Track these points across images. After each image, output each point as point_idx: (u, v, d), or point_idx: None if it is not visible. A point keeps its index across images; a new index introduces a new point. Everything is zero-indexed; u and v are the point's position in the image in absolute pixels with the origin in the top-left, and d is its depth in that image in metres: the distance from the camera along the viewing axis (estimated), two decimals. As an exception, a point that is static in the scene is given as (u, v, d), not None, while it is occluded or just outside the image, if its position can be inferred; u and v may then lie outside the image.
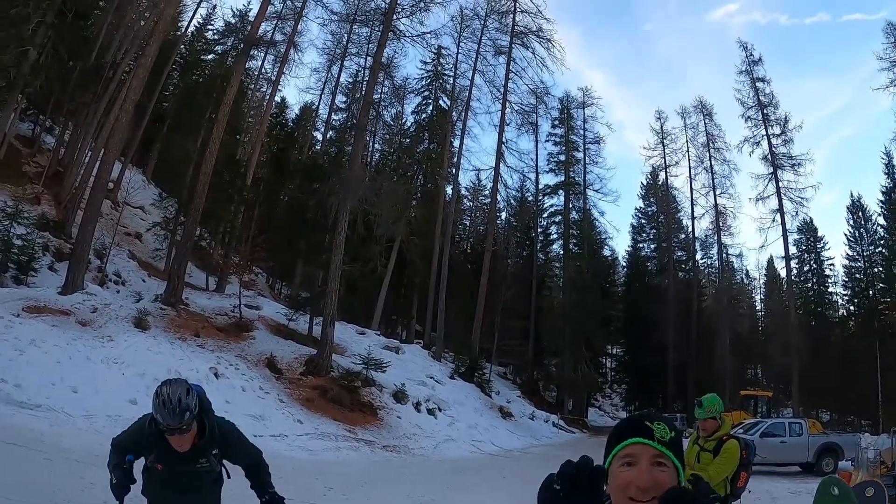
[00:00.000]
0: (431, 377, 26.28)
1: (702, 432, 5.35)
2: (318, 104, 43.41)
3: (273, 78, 37.19)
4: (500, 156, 40.99)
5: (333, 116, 42.92)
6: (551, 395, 44.43)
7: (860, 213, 41.26)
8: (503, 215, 49.78)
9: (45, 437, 9.66)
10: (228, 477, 3.58)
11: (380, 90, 31.27)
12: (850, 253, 41.59)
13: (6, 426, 9.59)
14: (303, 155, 39.15)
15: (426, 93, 44.30)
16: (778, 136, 40.72)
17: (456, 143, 42.12)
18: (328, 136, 42.67)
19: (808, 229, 43.60)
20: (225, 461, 3.52)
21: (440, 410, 22.51)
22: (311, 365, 20.60)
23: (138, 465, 3.37)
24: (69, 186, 26.46)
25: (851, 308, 42.55)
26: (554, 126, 47.43)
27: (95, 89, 27.68)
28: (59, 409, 11.26)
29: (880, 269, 39.55)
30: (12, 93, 23.69)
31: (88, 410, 11.31)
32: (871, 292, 39.67)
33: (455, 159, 41.96)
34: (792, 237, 40.96)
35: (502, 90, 41.48)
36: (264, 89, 40.98)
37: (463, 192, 51.07)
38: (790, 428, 18.97)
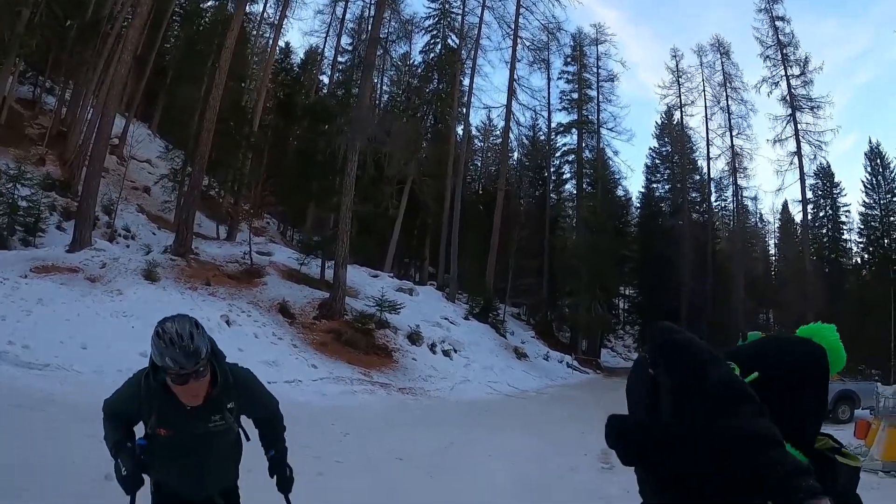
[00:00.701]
0: (446, 318, 26.17)
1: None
2: (324, 47, 42.51)
3: (276, 22, 36.28)
4: (511, 93, 40.10)
5: (339, 58, 42.12)
6: (565, 336, 44.39)
7: (878, 161, 40.22)
8: (515, 155, 48.90)
9: (56, 396, 9.53)
10: (248, 440, 3.01)
11: (386, 28, 30.35)
12: (867, 200, 40.76)
13: (15, 388, 9.49)
14: (310, 99, 38.46)
15: (434, 31, 43.05)
16: (797, 76, 39.74)
17: (466, 83, 41.13)
18: (335, 78, 41.94)
19: (824, 174, 42.70)
20: (242, 420, 2.95)
21: (455, 352, 22.47)
22: (325, 308, 20.52)
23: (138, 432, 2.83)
24: (73, 145, 26.24)
25: (866, 256, 41.85)
26: (566, 63, 45.90)
27: (94, 45, 27.22)
28: (68, 367, 11.18)
29: (897, 217, 38.85)
30: (9, 56, 23.44)
31: (98, 366, 11.15)
32: (886, 241, 39.04)
33: (465, 98, 41.06)
34: (808, 181, 40.34)
35: (513, 26, 40.29)
36: (267, 34, 40.06)
37: (474, 132, 50.09)
38: (805, 375, 18.59)
